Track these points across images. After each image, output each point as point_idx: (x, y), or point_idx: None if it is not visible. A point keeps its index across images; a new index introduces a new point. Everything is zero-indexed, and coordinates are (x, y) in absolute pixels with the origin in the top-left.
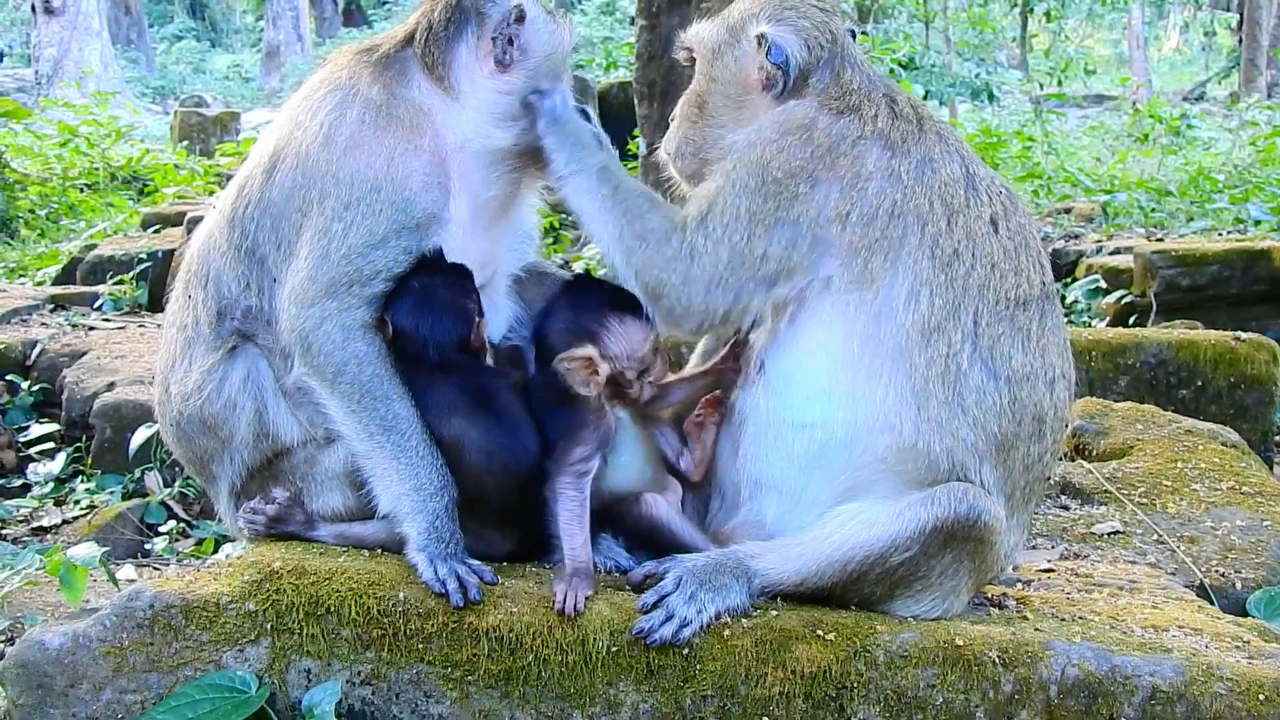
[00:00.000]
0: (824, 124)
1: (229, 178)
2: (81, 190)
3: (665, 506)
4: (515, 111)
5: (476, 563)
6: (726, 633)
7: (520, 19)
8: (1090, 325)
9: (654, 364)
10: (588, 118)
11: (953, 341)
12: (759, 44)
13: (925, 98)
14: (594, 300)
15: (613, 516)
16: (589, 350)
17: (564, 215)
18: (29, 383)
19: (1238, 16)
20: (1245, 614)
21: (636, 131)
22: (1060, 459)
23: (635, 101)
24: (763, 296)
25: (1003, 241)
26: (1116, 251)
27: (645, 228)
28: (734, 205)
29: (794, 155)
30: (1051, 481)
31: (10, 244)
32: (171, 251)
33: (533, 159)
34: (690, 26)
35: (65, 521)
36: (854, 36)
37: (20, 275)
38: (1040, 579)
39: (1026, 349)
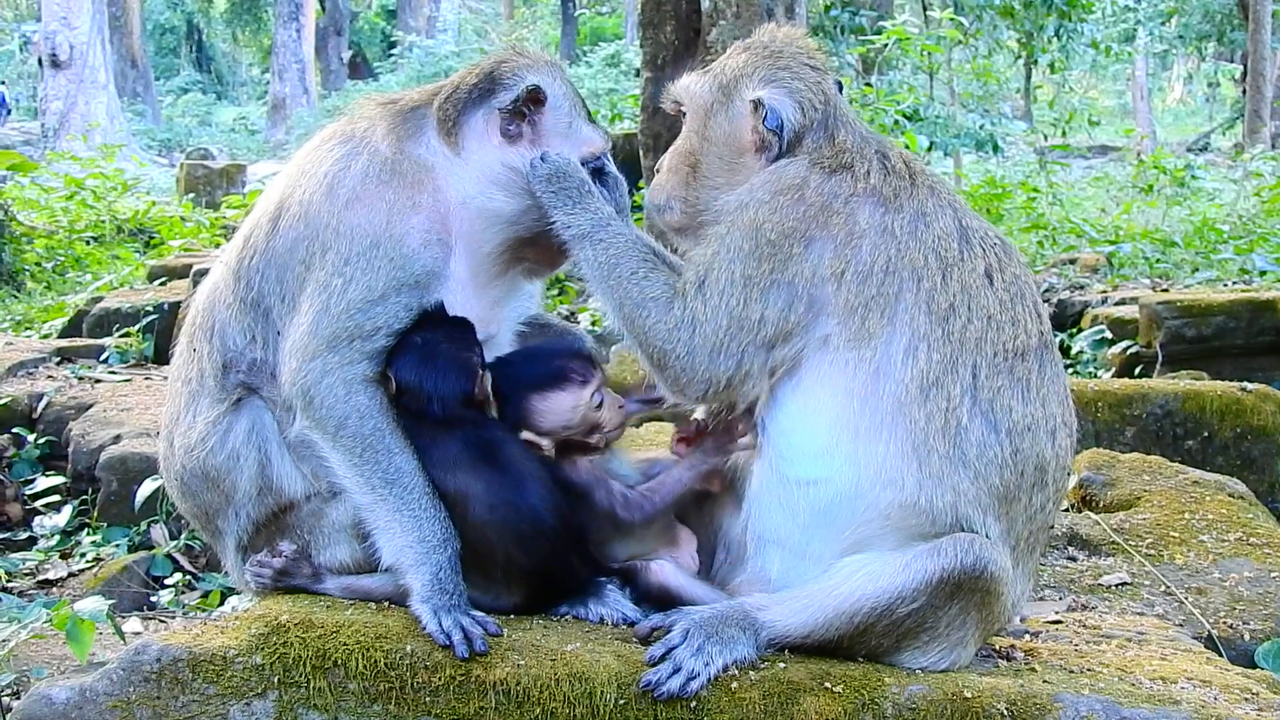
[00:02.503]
0: (816, 183)
1: (235, 230)
2: (87, 243)
3: (675, 572)
4: (520, 184)
5: (481, 614)
6: (734, 685)
7: (537, 100)
8: (1096, 376)
9: (602, 420)
10: (603, 173)
11: (952, 396)
12: (754, 109)
13: (930, 149)
14: (513, 381)
15: (623, 575)
16: (525, 434)
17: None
18: (35, 435)
19: (1241, 68)
20: (1254, 665)
21: (641, 184)
22: (1067, 510)
23: (640, 153)
24: (762, 360)
25: (998, 293)
26: (1122, 302)
27: (645, 294)
28: (729, 269)
29: (786, 216)
30: (1058, 533)
31: (17, 297)
32: (177, 304)
33: (544, 234)
34: (680, 79)
35: (71, 574)
36: (840, 90)
37: (26, 328)
38: (1048, 631)
39: (1027, 399)
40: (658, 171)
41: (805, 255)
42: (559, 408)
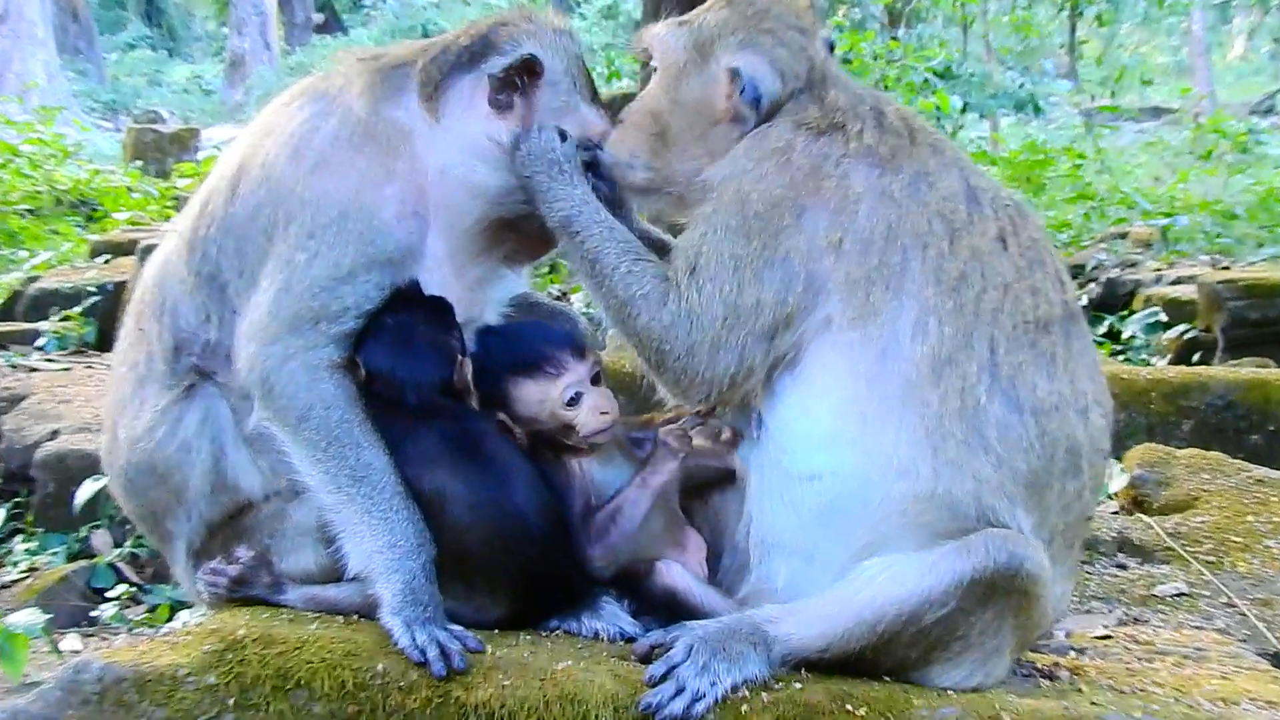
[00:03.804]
0: (803, 145)
1: (188, 201)
2: (23, 216)
3: (682, 574)
4: (504, 159)
5: (460, 628)
6: (744, 708)
7: (532, 72)
8: (1149, 363)
9: (575, 421)
10: (600, 160)
11: (968, 374)
12: (731, 77)
13: (964, 111)
14: (490, 356)
15: (624, 582)
16: (500, 415)
17: None
18: None
19: None
20: None
21: None
22: (1117, 513)
23: None
24: (764, 352)
25: (1014, 259)
26: (1178, 281)
27: (633, 291)
28: (718, 252)
29: (773, 183)
30: (1107, 538)
31: None
32: (123, 284)
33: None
34: (653, 27)
35: (3, 586)
36: (831, 49)
37: None
38: (1096, 647)
39: (1052, 375)
40: (620, 123)
41: (798, 226)
42: (525, 398)
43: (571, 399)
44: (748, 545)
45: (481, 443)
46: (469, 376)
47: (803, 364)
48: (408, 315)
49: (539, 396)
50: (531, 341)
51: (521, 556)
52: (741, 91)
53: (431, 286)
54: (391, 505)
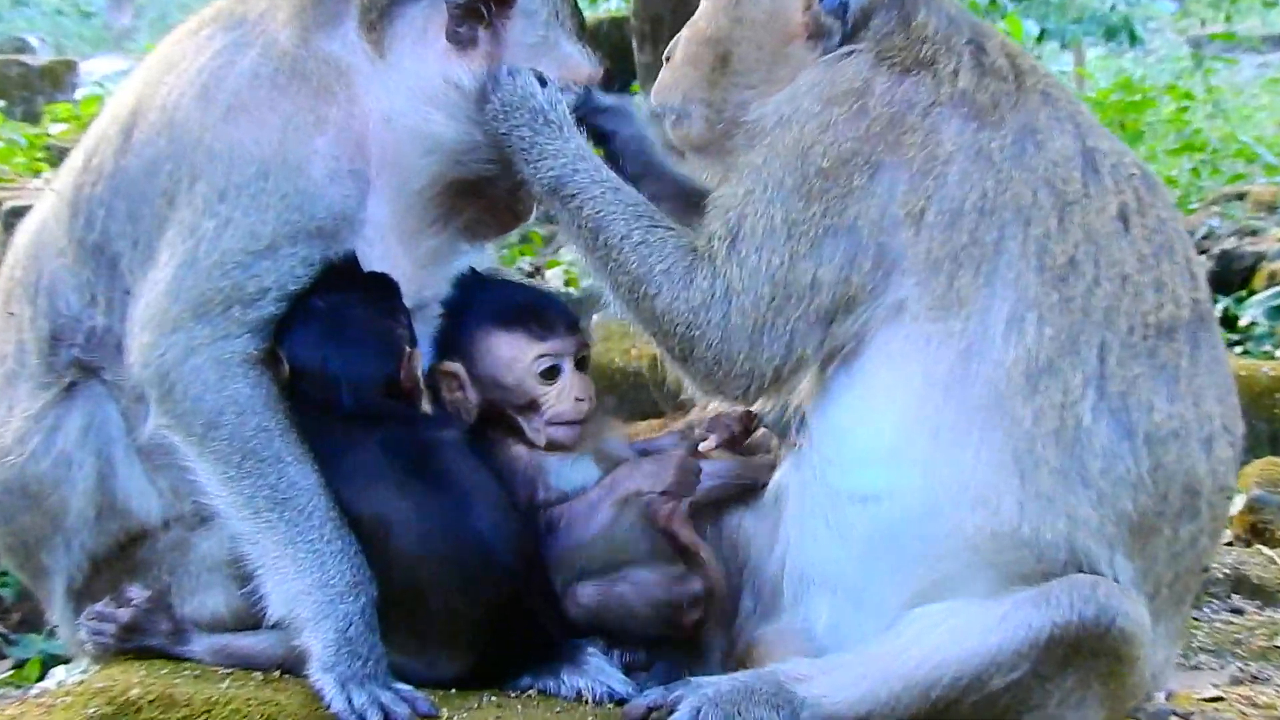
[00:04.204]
0: (883, 86)
1: (69, 152)
2: None
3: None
4: (466, 106)
5: (406, 687)
6: None
7: (502, 0)
8: (1272, 357)
9: (542, 399)
10: (594, 110)
11: (1070, 386)
12: None
13: (1040, 39)
14: (467, 300)
15: (614, 629)
16: (452, 366)
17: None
18: None
19: None
20: None
21: (636, 86)
22: (1230, 544)
23: (634, 45)
24: (818, 340)
25: (1137, 244)
26: None
27: (651, 266)
28: (768, 215)
29: (843, 134)
30: (1218, 575)
31: None
32: None
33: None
34: None
35: None
36: None
37: None
38: (1204, 712)
39: (1173, 394)
40: (667, 62)
41: (870, 189)
42: (495, 353)
43: (548, 370)
44: (781, 579)
45: (435, 456)
46: (419, 373)
47: (864, 358)
48: (343, 297)
49: (511, 355)
50: (522, 294)
51: (485, 598)
52: None
53: (373, 262)
54: (322, 534)
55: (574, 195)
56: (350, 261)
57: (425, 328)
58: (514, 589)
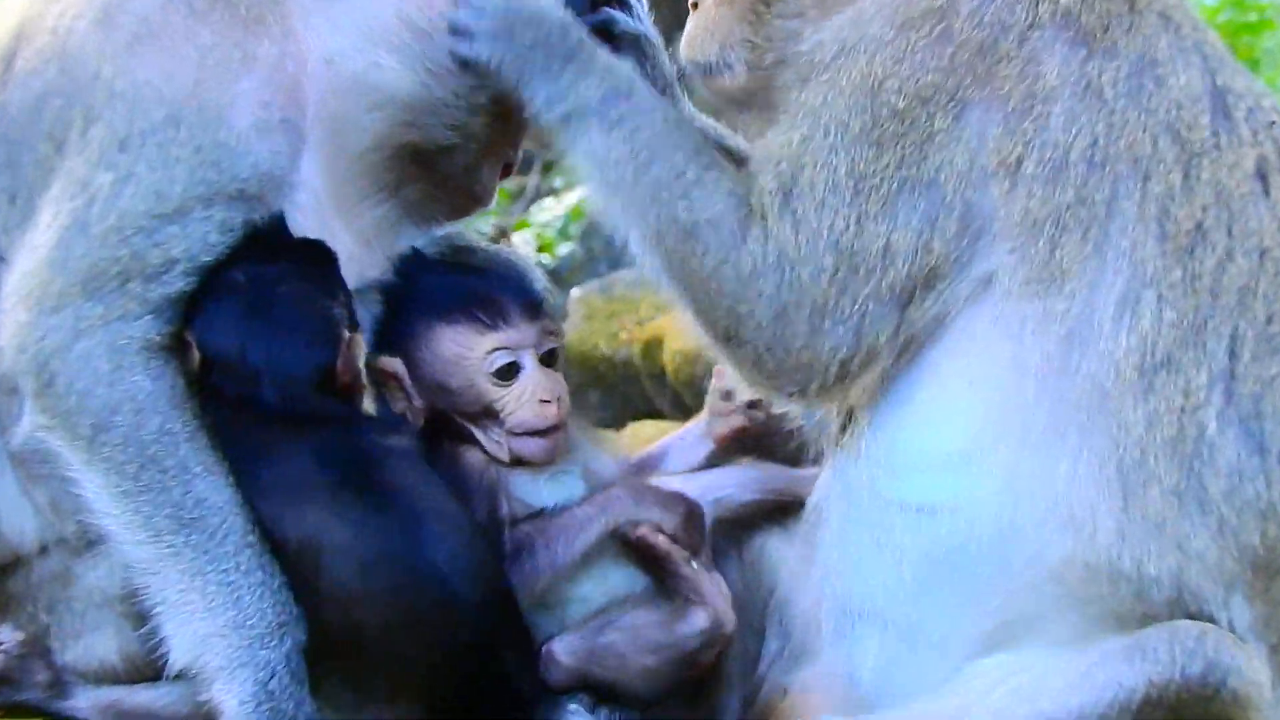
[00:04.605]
0: (970, 6)
1: None
2: None
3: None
4: (423, 48)
5: None
6: None
7: None
8: None
9: (499, 403)
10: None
11: (1192, 386)
12: None
13: None
14: (405, 290)
15: (587, 677)
16: (391, 363)
17: None
18: None
19: None
20: None
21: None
22: None
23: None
24: (893, 326)
25: (1278, 209)
26: None
27: (698, 213)
28: (829, 167)
29: (922, 65)
30: None
31: None
32: None
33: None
34: None
35: None
36: None
37: None
38: None
39: None
40: (694, 10)
41: (955, 133)
42: (438, 353)
43: (502, 369)
44: (817, 612)
45: (380, 467)
46: (360, 363)
47: (942, 345)
48: (268, 270)
49: (456, 353)
50: (467, 277)
51: (440, 643)
52: None
53: (306, 234)
54: (238, 563)
55: (620, 120)
56: (278, 226)
57: (369, 317)
58: (476, 632)
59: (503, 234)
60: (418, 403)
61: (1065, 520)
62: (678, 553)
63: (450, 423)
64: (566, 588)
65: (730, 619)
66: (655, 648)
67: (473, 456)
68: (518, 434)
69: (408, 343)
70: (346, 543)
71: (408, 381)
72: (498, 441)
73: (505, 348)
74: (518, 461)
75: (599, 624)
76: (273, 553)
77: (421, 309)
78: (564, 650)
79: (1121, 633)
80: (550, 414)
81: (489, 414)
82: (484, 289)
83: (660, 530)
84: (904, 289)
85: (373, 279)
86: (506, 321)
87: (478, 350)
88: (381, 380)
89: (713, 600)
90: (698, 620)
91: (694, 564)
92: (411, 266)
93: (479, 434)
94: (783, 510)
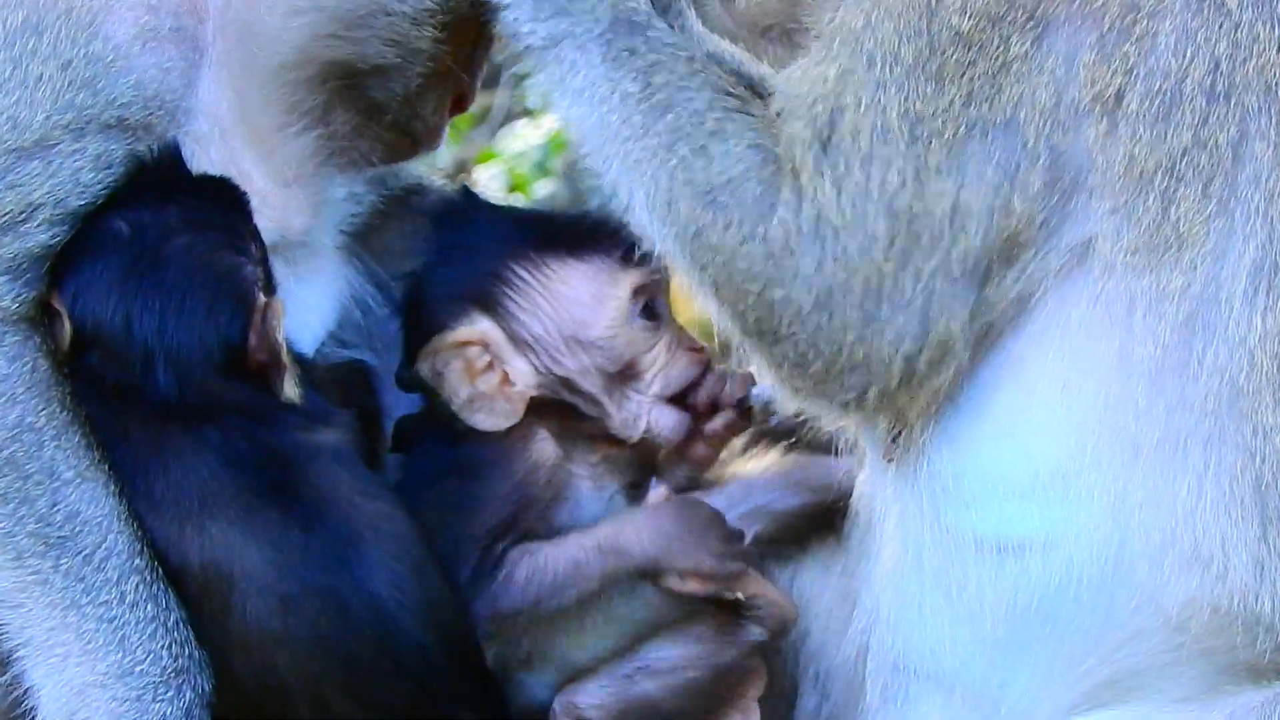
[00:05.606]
0: None
1: None
2: None
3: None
4: None
5: None
6: None
7: None
8: None
9: (644, 363)
10: None
11: None
12: None
13: None
14: (493, 232)
15: None
16: (476, 329)
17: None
18: None
19: None
20: None
21: None
22: None
23: None
24: (967, 311)
25: None
26: None
27: (714, 177)
28: (877, 107)
29: None
30: None
31: None
32: None
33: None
34: None
35: None
36: None
37: None
38: None
39: None
40: None
41: (1036, 60)
42: (568, 297)
43: (649, 310)
44: (862, 666)
45: (305, 472)
46: (278, 335)
47: (1026, 334)
48: (159, 216)
49: (596, 293)
50: (567, 211)
51: (381, 697)
52: None
53: (206, 170)
54: (122, 593)
55: (630, 53)
56: (171, 162)
57: (306, 291)
58: (428, 683)
59: (462, 169)
60: (521, 381)
61: (1189, 555)
62: (718, 589)
63: (548, 401)
64: (556, 638)
65: (792, 611)
66: (701, 692)
67: (545, 448)
68: (665, 399)
69: (501, 290)
70: (262, 568)
71: (500, 347)
72: (635, 414)
73: (647, 285)
74: (670, 452)
75: (627, 669)
76: (168, 581)
77: (534, 247)
78: (590, 704)
79: (1257, 687)
80: (700, 363)
81: (629, 374)
82: (598, 218)
83: (695, 575)
84: (978, 261)
85: (303, 231)
86: (638, 258)
87: (623, 288)
88: (448, 366)
89: (769, 611)
90: (752, 637)
91: (738, 593)
92: (474, 205)
93: (610, 405)
94: (827, 522)
